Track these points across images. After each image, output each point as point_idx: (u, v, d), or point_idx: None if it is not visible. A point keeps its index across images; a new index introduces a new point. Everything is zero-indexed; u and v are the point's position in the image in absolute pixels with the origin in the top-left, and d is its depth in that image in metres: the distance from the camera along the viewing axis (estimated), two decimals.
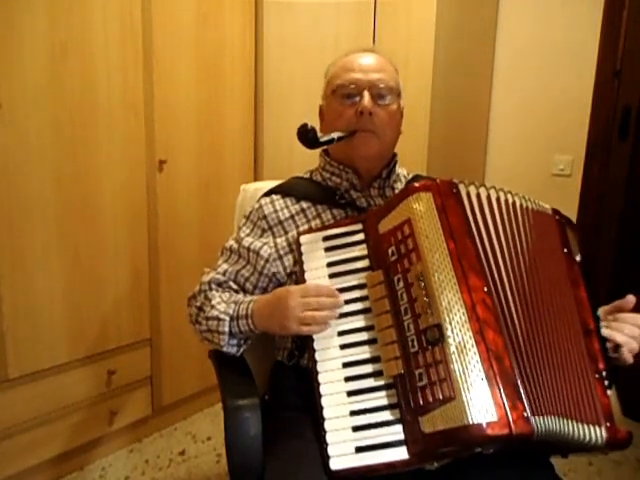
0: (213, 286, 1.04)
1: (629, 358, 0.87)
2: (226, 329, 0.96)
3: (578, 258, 0.97)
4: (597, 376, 0.85)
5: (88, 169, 1.58)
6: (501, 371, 0.77)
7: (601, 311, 0.93)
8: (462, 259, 0.83)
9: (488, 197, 0.91)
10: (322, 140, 0.96)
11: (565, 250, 0.94)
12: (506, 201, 0.92)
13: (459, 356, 0.78)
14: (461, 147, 2.23)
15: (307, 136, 0.94)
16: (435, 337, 0.79)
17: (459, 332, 0.79)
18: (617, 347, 0.87)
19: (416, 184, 0.90)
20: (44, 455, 1.59)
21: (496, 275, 0.85)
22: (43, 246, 1.50)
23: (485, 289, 0.82)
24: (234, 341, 0.99)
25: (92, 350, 1.66)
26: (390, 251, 0.88)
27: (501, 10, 2.25)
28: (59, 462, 1.65)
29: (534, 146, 2.22)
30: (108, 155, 1.62)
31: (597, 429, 0.81)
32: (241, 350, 1.01)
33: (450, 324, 0.79)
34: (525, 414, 0.75)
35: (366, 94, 1.01)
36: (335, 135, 0.98)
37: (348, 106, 1.03)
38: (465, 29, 2.11)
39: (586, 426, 0.80)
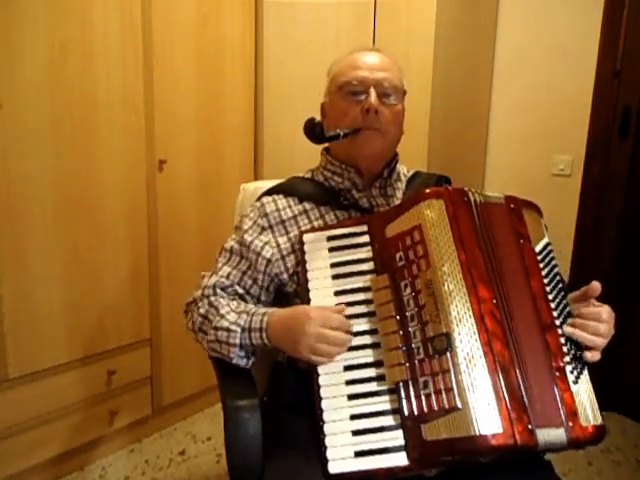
0: (218, 291, 1.01)
1: (593, 357, 0.85)
2: (237, 341, 0.92)
3: (543, 242, 0.93)
4: (557, 373, 0.82)
5: (88, 169, 1.58)
6: (507, 383, 0.77)
7: (570, 298, 0.92)
8: (472, 269, 0.83)
9: (498, 205, 0.90)
10: (328, 135, 0.96)
11: (521, 241, 0.90)
12: (500, 205, 0.91)
13: (467, 366, 0.77)
14: (461, 147, 2.23)
15: (314, 131, 0.94)
16: (443, 346, 0.79)
17: (468, 342, 0.79)
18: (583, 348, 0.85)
19: (427, 190, 0.89)
20: (44, 455, 1.59)
21: (501, 286, 0.84)
22: (43, 247, 1.50)
23: (494, 301, 0.82)
24: (242, 353, 0.95)
25: (92, 350, 1.66)
26: (398, 256, 0.87)
27: (501, 10, 2.25)
28: (59, 462, 1.65)
29: (534, 146, 2.22)
30: (108, 155, 1.62)
31: (558, 431, 0.78)
32: (250, 362, 0.97)
33: (459, 334, 0.79)
34: (530, 426, 0.75)
35: (372, 91, 1.00)
36: (341, 131, 0.97)
37: (353, 103, 1.02)
38: (465, 29, 2.11)
39: (547, 429, 0.78)
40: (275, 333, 0.91)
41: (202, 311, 0.99)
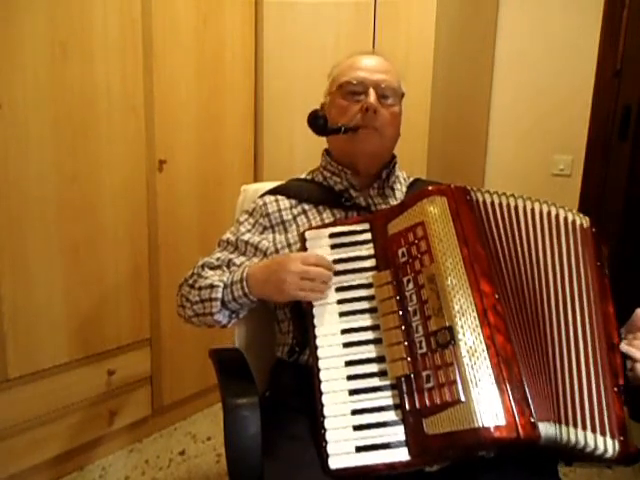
0: (206, 268, 1.05)
1: None
2: (219, 295, 0.96)
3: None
4: (616, 390, 0.83)
5: (88, 169, 1.58)
6: (510, 376, 0.77)
7: (622, 330, 0.92)
8: (474, 265, 0.83)
9: (500, 205, 0.90)
10: (330, 128, 1.02)
11: (598, 263, 0.92)
12: (515, 207, 0.91)
13: (470, 359, 0.78)
14: (461, 147, 2.23)
15: (317, 122, 1.00)
16: (446, 339, 0.79)
17: (470, 336, 0.79)
18: (633, 364, 0.85)
19: (430, 188, 0.90)
20: (44, 455, 1.59)
21: (503, 283, 0.85)
22: (43, 246, 1.50)
23: (496, 296, 0.82)
24: (226, 312, 0.99)
25: (92, 350, 1.66)
26: (400, 252, 0.88)
27: (501, 10, 2.25)
28: (59, 462, 1.65)
29: (534, 146, 2.22)
30: (108, 155, 1.62)
31: (610, 441, 0.79)
32: (232, 322, 1.01)
33: (462, 327, 0.79)
34: (532, 419, 0.75)
35: (372, 92, 1.03)
36: (342, 125, 1.02)
37: (353, 102, 1.05)
38: (465, 29, 2.11)
39: (600, 437, 0.79)
40: (257, 282, 0.94)
41: (190, 282, 1.04)
